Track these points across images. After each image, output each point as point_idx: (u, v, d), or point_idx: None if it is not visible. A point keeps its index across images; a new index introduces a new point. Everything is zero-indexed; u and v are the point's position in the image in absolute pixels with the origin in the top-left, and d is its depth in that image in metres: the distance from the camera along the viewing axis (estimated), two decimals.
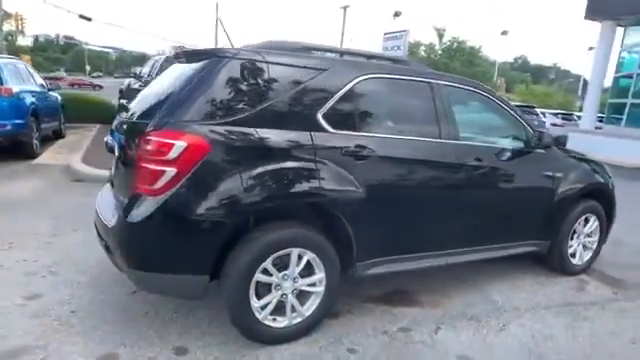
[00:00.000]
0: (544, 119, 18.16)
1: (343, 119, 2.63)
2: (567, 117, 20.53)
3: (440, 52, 35.79)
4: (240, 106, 2.35)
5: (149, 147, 2.21)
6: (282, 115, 2.45)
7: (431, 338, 2.73)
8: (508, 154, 3.36)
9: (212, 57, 2.41)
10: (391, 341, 2.67)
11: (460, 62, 33.24)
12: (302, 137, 2.45)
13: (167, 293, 2.53)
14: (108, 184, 3.04)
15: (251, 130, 2.34)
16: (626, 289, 3.64)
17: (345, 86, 2.64)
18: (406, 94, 3.01)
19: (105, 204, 2.70)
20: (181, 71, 2.59)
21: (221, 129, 2.28)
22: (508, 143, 3.47)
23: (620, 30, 14.92)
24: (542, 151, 3.50)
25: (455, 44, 35.26)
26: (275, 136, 2.38)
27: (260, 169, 2.33)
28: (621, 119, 14.38)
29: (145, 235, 2.26)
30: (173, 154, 2.16)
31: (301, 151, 2.45)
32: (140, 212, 2.23)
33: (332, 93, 2.60)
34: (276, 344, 2.51)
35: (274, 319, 2.50)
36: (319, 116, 2.53)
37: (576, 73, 58.08)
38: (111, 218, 2.45)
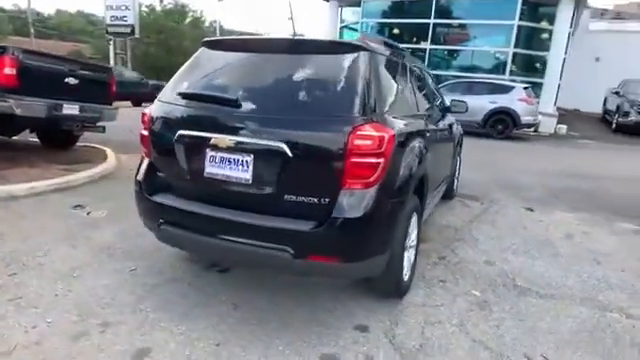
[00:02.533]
0: None
1: None
2: None
3: (162, 14, 34.69)
4: (393, 97, 2.56)
5: (363, 142, 2.21)
6: (409, 103, 2.79)
7: None
8: (444, 118, 4.61)
9: (361, 50, 2.47)
10: None
11: (188, 25, 33.28)
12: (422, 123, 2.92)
13: (357, 277, 2.61)
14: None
15: (406, 119, 2.68)
16: (481, 199, 5.68)
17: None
18: (416, 75, 3.71)
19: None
20: (307, 63, 2.50)
21: (390, 117, 2.50)
22: (441, 110, 4.70)
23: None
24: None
25: (178, 7, 34.82)
26: (416, 123, 2.77)
27: (415, 153, 2.77)
28: None
29: (366, 226, 2.29)
30: (384, 146, 2.27)
31: (423, 135, 2.93)
32: (360, 206, 2.25)
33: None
34: (403, 296, 2.98)
35: (405, 274, 2.94)
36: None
37: None
38: (301, 226, 2.29)
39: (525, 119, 12.03)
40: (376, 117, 2.33)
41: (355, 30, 18.16)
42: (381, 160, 2.28)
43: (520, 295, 3.17)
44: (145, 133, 2.78)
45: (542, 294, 3.21)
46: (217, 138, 2.39)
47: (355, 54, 2.46)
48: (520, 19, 14.79)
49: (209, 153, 2.47)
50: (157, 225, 2.64)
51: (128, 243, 3.66)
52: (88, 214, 4.34)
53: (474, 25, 15.43)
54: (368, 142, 2.22)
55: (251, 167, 2.36)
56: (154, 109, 2.75)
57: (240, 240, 2.38)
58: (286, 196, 2.32)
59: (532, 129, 13.69)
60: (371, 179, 2.27)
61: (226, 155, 2.42)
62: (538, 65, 15.44)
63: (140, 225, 3.91)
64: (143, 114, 2.82)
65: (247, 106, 2.43)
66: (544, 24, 15.38)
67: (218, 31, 35.54)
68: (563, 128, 14.56)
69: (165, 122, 2.69)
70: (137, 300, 2.78)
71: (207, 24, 40.32)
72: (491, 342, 2.55)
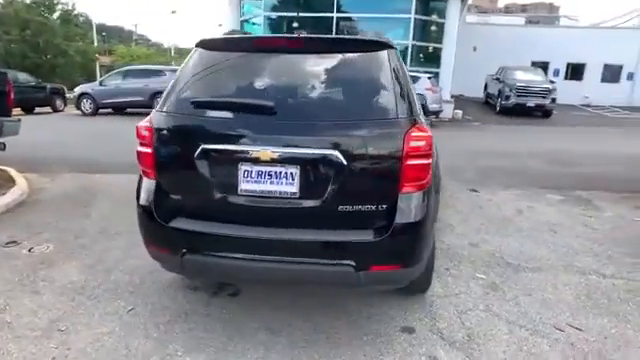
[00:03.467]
0: None
1: None
2: None
3: (22, 6, 30.07)
4: (414, 95, 2.53)
5: (417, 143, 2.16)
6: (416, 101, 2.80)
7: None
8: None
9: (387, 48, 2.39)
10: None
11: (59, 20, 29.36)
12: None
13: (409, 280, 2.46)
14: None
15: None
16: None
17: None
18: None
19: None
20: (336, 63, 2.36)
21: (421, 117, 2.49)
22: None
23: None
24: None
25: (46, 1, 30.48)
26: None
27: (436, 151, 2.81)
28: None
29: (424, 228, 2.25)
30: (431, 146, 2.24)
31: None
32: (419, 208, 2.21)
33: None
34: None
35: None
36: None
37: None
38: (362, 236, 2.16)
39: (432, 107, 13.01)
40: (417, 117, 2.31)
41: (257, 25, 17.82)
42: (431, 160, 2.26)
43: (516, 272, 3.44)
44: (146, 150, 2.38)
45: (531, 268, 3.52)
46: (255, 151, 2.14)
47: (384, 51, 2.38)
48: (416, 12, 15.91)
49: (243, 168, 2.20)
50: (180, 255, 2.30)
51: (103, 279, 3.13)
52: (30, 251, 3.61)
53: (375, 19, 16.15)
54: (422, 143, 2.18)
55: (297, 179, 2.17)
56: (157, 122, 2.36)
57: (295, 260, 2.18)
58: (340, 207, 2.18)
59: (435, 116, 14.89)
60: (424, 181, 2.24)
61: (265, 168, 2.19)
62: (434, 56, 16.80)
63: (106, 258, 3.45)
64: (139, 128, 2.41)
65: (284, 112, 2.22)
66: (436, 17, 16.78)
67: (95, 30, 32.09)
68: (459, 113, 16.09)
69: (178, 136, 2.33)
70: (159, 345, 2.40)
71: (82, 19, 36.10)
72: (521, 320, 2.73)
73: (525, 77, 16.28)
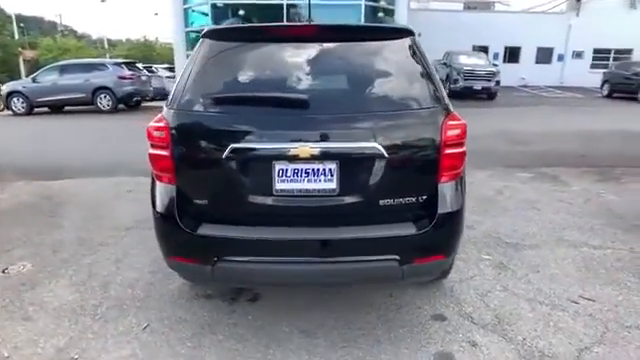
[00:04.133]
0: (160, 74, 18.44)
1: None
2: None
3: None
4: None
5: (454, 132, 2.13)
6: None
7: None
8: None
9: (409, 34, 2.32)
10: None
11: None
12: None
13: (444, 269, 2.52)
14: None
15: None
16: None
17: None
18: None
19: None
20: (361, 51, 2.27)
21: None
22: None
23: None
24: None
25: None
26: None
27: None
28: None
29: (462, 216, 2.24)
30: (465, 134, 2.22)
31: None
32: (458, 197, 2.21)
33: None
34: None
35: None
36: None
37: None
38: (405, 230, 2.12)
39: None
40: (449, 105, 2.28)
41: (205, 14, 17.06)
42: (465, 149, 2.25)
43: (517, 251, 3.57)
44: (162, 153, 2.16)
45: (529, 245, 3.67)
46: (292, 148, 2.02)
47: (407, 38, 2.32)
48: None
49: (278, 166, 2.07)
50: (211, 264, 2.13)
51: (102, 296, 2.86)
52: (5, 272, 3.22)
53: (326, 5, 16.02)
54: (458, 131, 2.16)
55: (336, 175, 2.07)
56: (174, 121, 2.14)
57: (338, 260, 2.09)
58: (380, 201, 2.12)
59: None
60: (460, 169, 2.23)
61: (302, 166, 2.07)
62: None
63: (97, 272, 3.20)
64: (151, 129, 2.18)
65: (317, 105, 2.10)
66: (385, 4, 16.97)
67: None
68: None
69: (202, 136, 2.13)
70: None
71: None
72: (539, 296, 2.84)
73: (471, 61, 16.96)
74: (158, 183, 2.24)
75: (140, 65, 16.45)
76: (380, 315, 2.62)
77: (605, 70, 18.98)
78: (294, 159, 2.05)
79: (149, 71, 16.90)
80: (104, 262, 3.35)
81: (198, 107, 2.16)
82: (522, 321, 2.57)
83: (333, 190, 2.09)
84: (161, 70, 20.10)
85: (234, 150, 2.04)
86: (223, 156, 2.05)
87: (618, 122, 11.02)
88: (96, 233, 3.92)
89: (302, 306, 2.70)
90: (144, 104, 15.61)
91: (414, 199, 2.15)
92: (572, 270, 3.21)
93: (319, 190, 2.09)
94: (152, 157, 2.20)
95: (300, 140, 2.03)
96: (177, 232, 2.16)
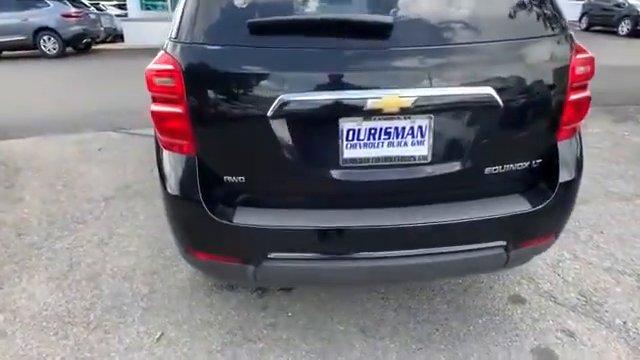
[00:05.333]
0: (109, 12, 16.40)
1: None
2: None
3: None
4: None
5: (583, 69, 1.55)
6: None
7: None
8: None
9: None
10: None
11: None
12: None
13: None
14: None
15: None
16: None
17: None
18: None
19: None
20: None
21: None
22: None
23: None
24: None
25: None
26: None
27: None
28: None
29: (579, 184, 1.73)
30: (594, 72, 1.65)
31: None
32: (578, 159, 1.70)
33: None
34: None
35: None
36: None
37: None
38: (517, 206, 1.59)
39: None
40: (571, 33, 1.68)
41: None
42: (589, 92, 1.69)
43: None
44: (173, 110, 1.47)
45: (578, 199, 3.28)
46: (370, 98, 1.38)
47: None
48: None
49: (346, 126, 1.45)
50: (254, 264, 1.55)
51: (92, 294, 2.25)
52: None
53: None
54: (587, 69, 1.58)
55: (429, 135, 1.48)
56: (189, 61, 1.44)
57: (430, 252, 1.56)
58: (487, 169, 1.56)
59: None
60: (581, 121, 1.69)
61: (381, 124, 1.45)
62: None
63: (79, 260, 2.60)
64: (153, 73, 1.48)
65: (404, 34, 1.44)
66: None
67: None
68: None
69: (232, 83, 1.45)
70: None
71: None
72: (617, 265, 2.45)
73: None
74: (168, 154, 1.58)
75: (86, 1, 14.50)
76: (448, 301, 2.17)
77: (585, 1, 18.38)
78: (372, 114, 1.42)
79: (97, 9, 15.01)
80: (86, 246, 2.69)
81: (224, 39, 1.45)
82: (612, 298, 2.19)
83: (423, 157, 1.51)
84: (110, 8, 18.00)
85: (284, 104, 1.40)
86: (269, 112, 1.40)
87: (601, 57, 10.72)
88: (69, 206, 3.20)
89: (346, 294, 2.20)
90: (95, 47, 13.97)
91: (527, 164, 1.60)
92: (636, 228, 2.86)
93: (404, 158, 1.50)
94: (158, 116, 1.52)
95: (380, 86, 1.40)
96: (203, 221, 1.53)
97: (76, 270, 2.45)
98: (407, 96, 1.38)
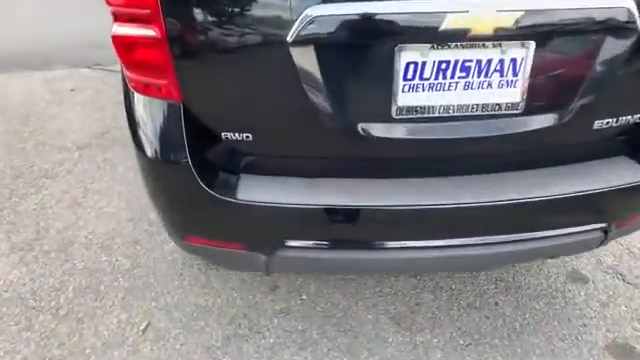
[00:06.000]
0: None
1: None
2: None
3: None
4: None
5: None
6: None
7: None
8: None
9: None
10: None
11: None
12: None
13: None
14: None
15: None
16: None
17: None
18: None
19: None
20: None
21: None
22: None
23: None
24: None
25: None
26: None
27: None
28: None
29: None
30: None
31: None
32: None
33: None
34: None
35: None
36: None
37: None
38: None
39: None
40: None
41: None
42: None
43: None
44: (145, 33, 0.97)
45: None
46: (454, 12, 0.88)
47: None
48: None
49: (406, 57, 0.96)
50: (267, 253, 1.13)
51: (61, 270, 1.84)
52: None
53: None
54: None
55: (524, 73, 1.01)
56: None
57: (517, 238, 1.15)
58: (597, 122, 1.11)
59: None
60: None
61: (459, 55, 0.97)
62: None
63: (46, 225, 2.25)
64: None
65: None
66: None
67: None
68: None
69: None
70: None
71: None
72: None
73: None
74: (142, 100, 1.09)
75: None
76: (495, 279, 1.79)
77: None
78: (446, 40, 0.94)
79: None
80: (55, 207, 2.25)
81: None
82: None
83: (514, 105, 1.04)
84: None
85: (310, 22, 0.90)
86: (287, 37, 0.91)
87: None
88: (36, 157, 2.71)
89: (357, 281, 1.82)
90: None
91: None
92: None
93: (484, 106, 1.04)
94: (121, 43, 1.01)
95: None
96: (193, 194, 1.08)
97: (44, 238, 2.03)
98: (509, 10, 0.89)
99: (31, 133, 3.03)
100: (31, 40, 5.57)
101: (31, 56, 4.70)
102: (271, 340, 1.53)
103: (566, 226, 1.16)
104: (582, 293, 1.74)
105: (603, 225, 1.18)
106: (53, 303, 1.69)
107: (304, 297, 1.70)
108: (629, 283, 1.79)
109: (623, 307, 1.67)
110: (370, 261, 1.19)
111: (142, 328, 1.57)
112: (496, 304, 1.68)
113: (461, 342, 1.52)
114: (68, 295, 1.72)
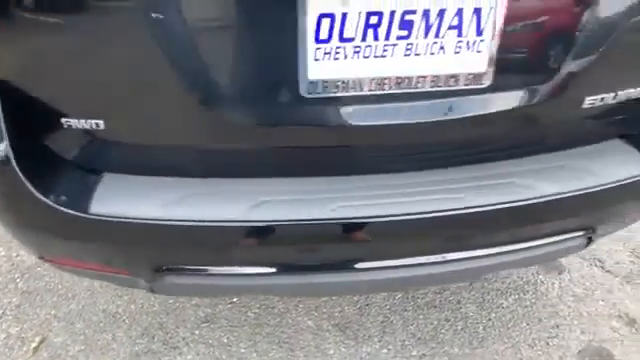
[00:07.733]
0: None
1: None
2: None
3: None
4: None
5: None
6: None
7: None
8: None
9: None
10: None
11: None
12: None
13: None
14: None
15: None
16: None
17: None
18: None
19: None
20: None
21: None
22: None
23: None
24: None
25: None
26: None
27: None
28: None
29: None
30: None
31: None
32: None
33: None
34: None
35: None
36: None
37: None
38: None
39: None
40: None
41: None
42: None
43: None
44: None
45: None
46: None
47: None
48: None
49: (316, 5, 0.63)
50: (148, 277, 0.85)
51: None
52: None
53: None
54: None
55: (493, 30, 0.69)
56: None
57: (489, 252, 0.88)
58: (587, 98, 0.81)
59: None
60: None
61: (390, 4, 0.64)
62: None
63: None
64: None
65: None
66: None
67: None
68: None
69: None
70: None
71: None
72: None
73: None
74: None
75: None
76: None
77: None
78: None
79: None
80: None
81: None
82: None
83: (479, 77, 0.73)
84: None
85: None
86: None
87: None
88: None
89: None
90: None
91: None
92: None
93: (439, 78, 0.73)
94: None
95: None
96: (23, 203, 0.77)
97: None
98: None
99: None
100: None
101: None
102: (189, 357, 1.28)
103: (539, 238, 0.90)
104: (556, 286, 1.52)
105: (586, 232, 0.93)
106: None
107: (234, 300, 1.44)
108: (608, 271, 1.58)
109: (600, 302, 1.47)
110: (294, 286, 0.92)
111: (34, 346, 1.30)
112: (458, 302, 1.45)
113: (414, 353, 1.30)
114: None
